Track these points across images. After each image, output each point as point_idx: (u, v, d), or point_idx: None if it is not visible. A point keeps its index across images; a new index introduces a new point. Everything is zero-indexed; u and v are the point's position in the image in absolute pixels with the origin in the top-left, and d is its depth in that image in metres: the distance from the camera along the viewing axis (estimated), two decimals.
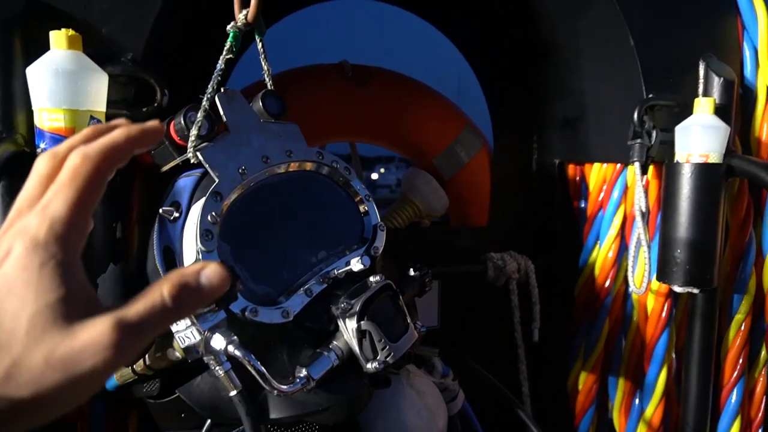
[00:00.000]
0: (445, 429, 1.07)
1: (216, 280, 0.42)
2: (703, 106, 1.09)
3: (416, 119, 1.48)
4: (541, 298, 1.44)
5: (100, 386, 0.37)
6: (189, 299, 0.40)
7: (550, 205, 1.49)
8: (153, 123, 0.44)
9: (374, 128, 1.49)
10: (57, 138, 0.76)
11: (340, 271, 0.83)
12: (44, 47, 0.78)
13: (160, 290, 0.40)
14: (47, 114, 0.75)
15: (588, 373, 1.39)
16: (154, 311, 0.38)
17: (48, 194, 0.39)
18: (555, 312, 1.46)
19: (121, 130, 0.42)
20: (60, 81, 0.74)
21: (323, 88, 1.42)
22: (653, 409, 1.26)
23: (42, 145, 0.76)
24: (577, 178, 1.44)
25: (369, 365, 0.77)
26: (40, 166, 0.41)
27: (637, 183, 1.15)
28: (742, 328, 1.19)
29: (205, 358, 0.70)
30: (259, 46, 0.90)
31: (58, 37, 0.76)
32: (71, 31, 0.77)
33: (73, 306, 0.36)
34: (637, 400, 1.32)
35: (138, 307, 0.38)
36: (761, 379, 1.23)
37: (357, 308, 0.77)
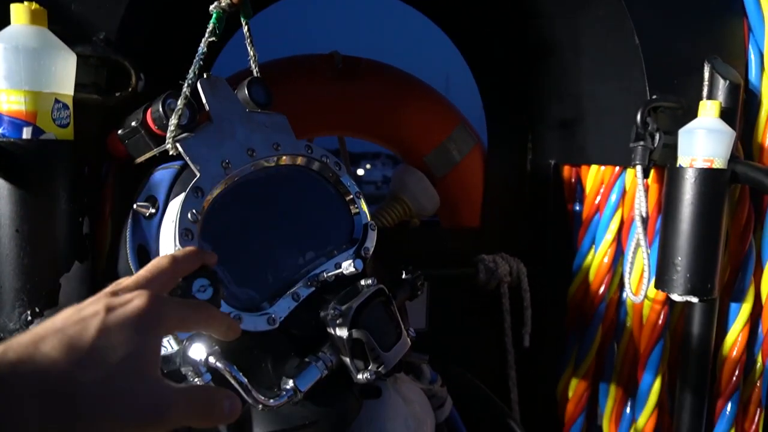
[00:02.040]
0: None
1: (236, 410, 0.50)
2: (709, 110, 1.05)
3: (408, 115, 1.42)
4: (532, 302, 1.41)
5: None
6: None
7: (544, 207, 1.45)
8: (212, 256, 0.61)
9: (364, 123, 1.43)
10: (17, 122, 0.68)
11: (329, 273, 0.77)
12: (4, 22, 0.70)
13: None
14: (5, 96, 0.68)
15: (579, 381, 1.36)
16: (203, 412, 0.47)
17: (156, 278, 0.52)
18: (546, 317, 1.42)
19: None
20: (21, 59, 0.67)
21: (312, 80, 1.36)
22: (645, 419, 1.22)
23: (0, 130, 0.69)
24: (573, 180, 1.39)
25: (360, 375, 0.72)
26: (162, 262, 0.54)
27: (639, 186, 1.11)
28: (739, 338, 1.16)
29: (182, 369, 0.64)
30: (245, 29, 0.83)
31: (19, 11, 0.68)
32: (35, 5, 0.69)
33: (155, 364, 0.44)
34: (628, 409, 1.29)
35: (191, 399, 0.46)
36: (756, 390, 1.20)
37: (349, 315, 0.71)
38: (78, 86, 0.75)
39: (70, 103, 0.72)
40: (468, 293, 1.40)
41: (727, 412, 1.18)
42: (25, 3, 0.69)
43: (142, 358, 0.42)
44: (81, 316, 0.42)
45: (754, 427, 1.20)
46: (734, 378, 1.17)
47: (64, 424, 0.38)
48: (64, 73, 0.70)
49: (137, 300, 0.45)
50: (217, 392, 0.49)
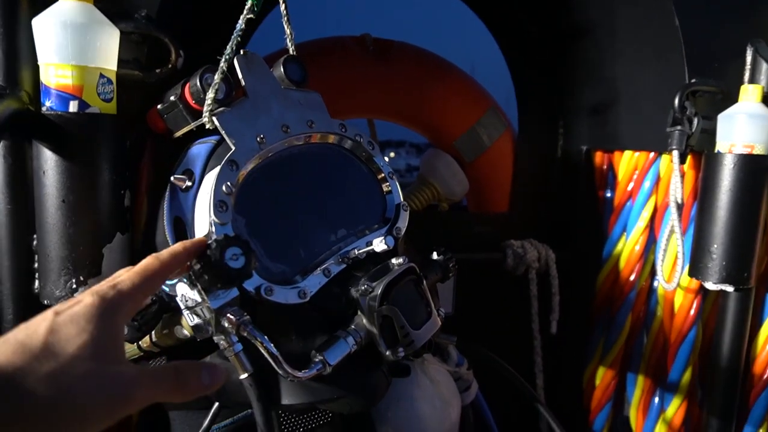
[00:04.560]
0: (459, 420, 1.02)
1: (218, 380, 0.55)
2: (750, 94, 1.02)
3: (438, 98, 1.42)
4: (560, 289, 1.39)
5: (120, 415, 0.45)
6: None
7: (574, 194, 1.43)
8: (201, 239, 0.62)
9: (394, 105, 1.43)
10: (64, 96, 0.70)
11: (360, 251, 0.77)
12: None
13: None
14: (54, 69, 0.70)
15: (606, 369, 1.34)
16: (173, 382, 0.49)
17: (121, 276, 0.52)
18: (574, 304, 1.41)
19: (180, 243, 0.59)
20: (68, 34, 0.69)
21: (343, 62, 1.36)
22: (675, 409, 1.21)
23: (48, 103, 0.71)
24: (605, 166, 1.37)
25: (389, 353, 0.73)
26: (120, 271, 0.55)
27: (675, 172, 1.08)
28: None
29: (215, 338, 0.66)
30: (282, 7, 0.83)
31: None
32: None
33: (113, 351, 0.46)
34: (656, 399, 1.27)
35: (162, 371, 0.49)
36: None
37: (379, 291, 0.71)
38: (120, 62, 0.76)
39: (113, 78, 0.74)
40: (495, 278, 1.40)
41: (760, 405, 1.16)
42: None
43: (99, 345, 0.44)
44: (30, 324, 0.45)
45: None
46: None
47: (22, 415, 0.40)
48: (108, 49, 0.72)
49: (86, 298, 0.47)
50: (188, 367, 0.51)
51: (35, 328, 0.44)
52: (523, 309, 1.41)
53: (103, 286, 0.49)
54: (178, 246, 0.58)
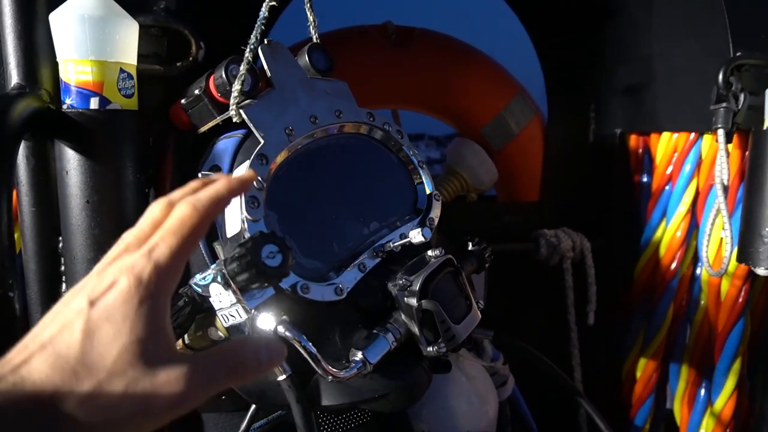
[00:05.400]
0: (496, 416, 0.99)
1: (277, 356, 0.45)
2: None
3: (464, 85, 1.37)
4: (596, 279, 1.34)
5: (168, 421, 0.40)
6: (265, 366, 0.44)
7: (609, 180, 1.37)
8: (249, 172, 0.51)
9: (418, 95, 1.38)
10: (84, 93, 0.68)
11: (395, 243, 0.74)
12: None
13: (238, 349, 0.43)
14: (73, 65, 0.67)
15: (647, 361, 1.29)
16: (229, 367, 0.42)
17: (155, 237, 0.43)
18: (612, 294, 1.35)
19: (223, 181, 0.46)
20: (87, 28, 0.66)
21: (365, 51, 1.32)
22: (724, 401, 1.15)
23: (68, 101, 0.69)
24: (640, 150, 1.31)
25: (430, 348, 0.69)
26: (155, 211, 0.45)
27: (721, 152, 1.03)
28: None
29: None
30: None
31: None
32: None
33: (158, 346, 0.40)
34: (703, 391, 1.21)
35: (214, 359, 0.42)
36: None
37: (417, 286, 0.68)
38: (140, 57, 0.74)
39: (134, 73, 0.72)
40: (528, 269, 1.35)
41: None
42: None
43: (139, 347, 0.39)
44: (65, 320, 0.39)
45: None
46: None
47: None
48: (127, 42, 0.70)
49: (120, 280, 0.40)
50: (243, 346, 0.43)
51: (70, 329, 0.38)
52: (557, 300, 1.36)
53: (137, 257, 0.41)
54: (220, 187, 0.45)
